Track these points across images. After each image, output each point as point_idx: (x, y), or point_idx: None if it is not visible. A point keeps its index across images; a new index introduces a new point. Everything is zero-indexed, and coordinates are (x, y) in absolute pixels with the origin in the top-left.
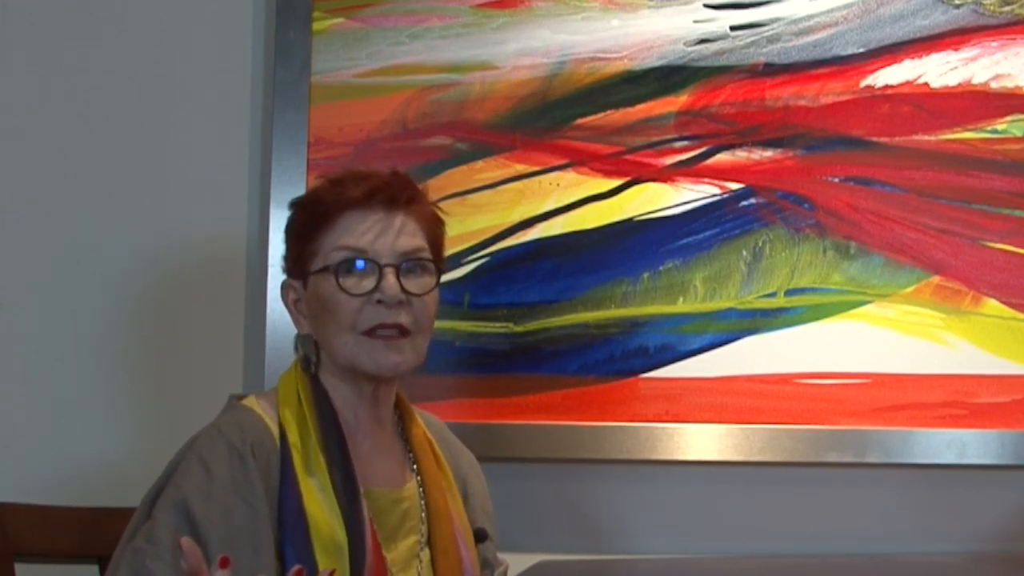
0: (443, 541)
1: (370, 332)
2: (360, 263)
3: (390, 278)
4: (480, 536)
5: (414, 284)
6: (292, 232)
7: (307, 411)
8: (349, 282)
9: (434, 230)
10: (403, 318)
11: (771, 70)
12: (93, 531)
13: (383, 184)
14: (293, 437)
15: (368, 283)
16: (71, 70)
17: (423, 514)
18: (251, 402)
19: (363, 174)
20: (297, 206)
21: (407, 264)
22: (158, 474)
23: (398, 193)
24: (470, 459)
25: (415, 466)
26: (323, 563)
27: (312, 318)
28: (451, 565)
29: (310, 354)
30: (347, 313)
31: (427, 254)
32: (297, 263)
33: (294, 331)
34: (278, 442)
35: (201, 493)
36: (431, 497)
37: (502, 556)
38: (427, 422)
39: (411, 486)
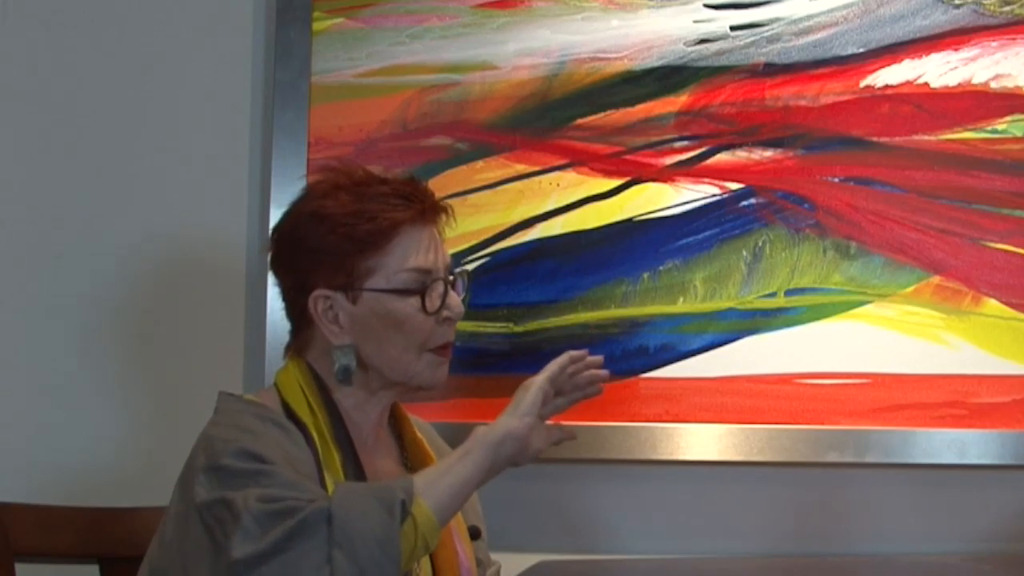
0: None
1: (437, 350)
2: (436, 285)
3: (453, 295)
4: (474, 533)
5: (458, 295)
6: (329, 245)
7: (317, 411)
8: (428, 304)
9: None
10: (455, 332)
11: (771, 70)
12: (93, 531)
13: (427, 199)
14: (312, 431)
15: (435, 301)
16: (71, 70)
17: None
18: (251, 398)
19: (398, 186)
20: (330, 218)
21: (452, 276)
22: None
23: (438, 207)
24: None
25: (409, 464)
26: None
27: (362, 332)
28: (448, 559)
29: (350, 364)
30: (422, 333)
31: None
32: (340, 276)
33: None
34: (296, 429)
35: (255, 442)
36: None
37: (495, 557)
38: (416, 424)
39: None
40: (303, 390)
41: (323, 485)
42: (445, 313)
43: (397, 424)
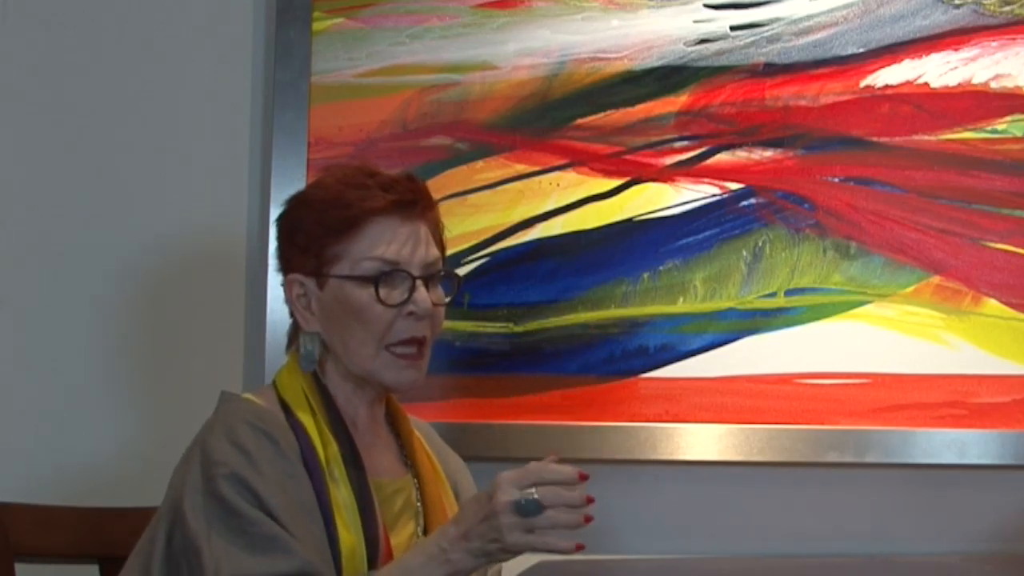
0: None
1: (395, 346)
2: (398, 276)
3: (422, 291)
4: None
5: (436, 295)
6: (305, 229)
7: (315, 407)
8: (386, 294)
9: (442, 235)
10: (426, 330)
11: (771, 70)
12: (93, 531)
13: (408, 192)
14: (311, 429)
15: (399, 295)
16: (71, 69)
17: (419, 505)
18: (249, 397)
19: (386, 179)
20: (311, 203)
21: (431, 275)
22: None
23: (422, 202)
24: (458, 461)
25: (408, 460)
26: (346, 549)
27: (328, 320)
28: None
29: (312, 350)
30: (380, 324)
31: (441, 262)
32: (311, 261)
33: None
34: (291, 431)
35: (248, 467)
36: (426, 489)
37: None
38: (415, 424)
39: (407, 478)
40: (303, 390)
41: (322, 499)
42: (410, 308)
43: (395, 423)
